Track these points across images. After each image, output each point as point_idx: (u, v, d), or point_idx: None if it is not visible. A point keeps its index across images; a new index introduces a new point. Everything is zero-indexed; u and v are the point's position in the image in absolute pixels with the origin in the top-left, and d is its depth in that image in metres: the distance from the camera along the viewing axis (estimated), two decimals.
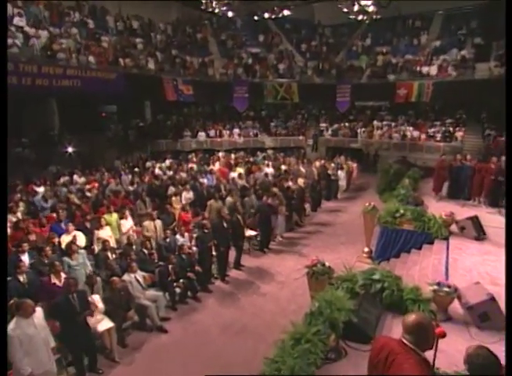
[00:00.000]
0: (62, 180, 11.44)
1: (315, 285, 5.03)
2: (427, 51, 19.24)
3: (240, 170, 13.03)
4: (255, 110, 23.17)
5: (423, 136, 18.07)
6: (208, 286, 7.19)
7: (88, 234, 7.29)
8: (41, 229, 7.27)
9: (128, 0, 18.36)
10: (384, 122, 20.14)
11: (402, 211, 7.47)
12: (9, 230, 6.55)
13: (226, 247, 7.65)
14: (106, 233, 7.35)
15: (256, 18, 20.46)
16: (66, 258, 5.93)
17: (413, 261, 6.70)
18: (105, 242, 6.69)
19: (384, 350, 2.33)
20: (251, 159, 15.98)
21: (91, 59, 14.51)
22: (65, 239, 6.73)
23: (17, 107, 13.03)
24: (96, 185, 10.81)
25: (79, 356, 4.74)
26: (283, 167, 14.07)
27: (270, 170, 13.25)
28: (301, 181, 11.62)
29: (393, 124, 19.82)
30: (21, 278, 5.19)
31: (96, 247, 7.08)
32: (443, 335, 2.42)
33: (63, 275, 5.40)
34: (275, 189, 10.00)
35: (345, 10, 17.80)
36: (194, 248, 7.42)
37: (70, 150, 14.66)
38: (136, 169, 13.06)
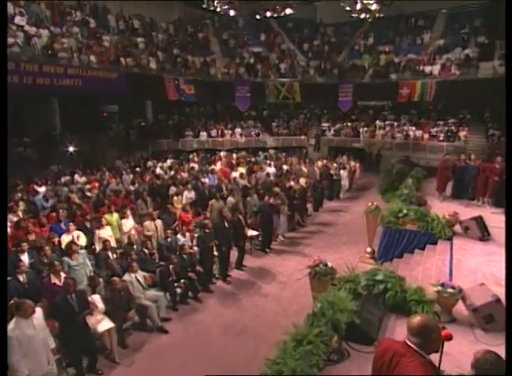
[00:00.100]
0: (63, 180, 11.42)
1: (318, 286, 4.98)
2: (430, 50, 19.13)
3: (242, 170, 12.99)
4: (257, 110, 23.12)
5: (426, 136, 17.97)
6: (209, 286, 7.15)
7: (89, 234, 7.26)
8: (41, 229, 7.23)
9: None
10: (387, 122, 20.06)
11: (405, 211, 7.40)
12: (9, 230, 6.53)
13: (228, 247, 7.60)
14: (106, 232, 7.32)
15: (258, 17, 20.40)
16: (66, 258, 5.89)
17: (417, 261, 6.64)
18: (105, 242, 6.66)
19: (388, 352, 2.29)
20: (253, 159, 15.95)
21: (92, 58, 14.49)
22: (65, 239, 6.70)
23: (18, 107, 13.04)
24: (97, 184, 10.78)
25: (78, 356, 4.70)
26: (285, 167, 14.04)
27: (272, 170, 13.22)
28: (302, 181, 11.58)
29: (396, 123, 19.73)
30: (21, 278, 5.16)
31: (97, 247, 7.05)
32: (449, 338, 2.37)
33: (62, 275, 5.36)
34: (276, 189, 9.95)
35: (348, 8, 17.74)
36: (195, 248, 7.38)
37: (71, 149, 14.63)
38: (137, 169, 13.03)
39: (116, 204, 8.90)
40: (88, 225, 7.59)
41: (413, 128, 18.68)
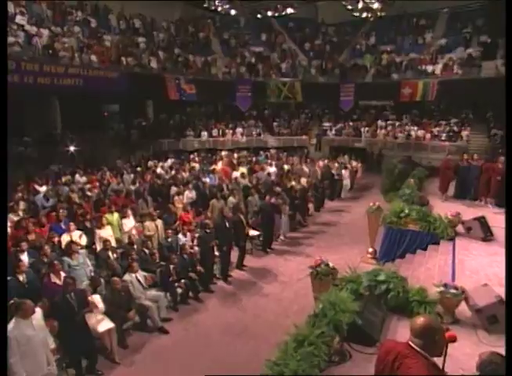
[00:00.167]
0: (63, 179, 11.40)
1: (319, 286, 4.94)
2: (432, 49, 19.07)
3: (243, 169, 12.95)
4: (258, 110, 23.06)
5: (428, 136, 17.90)
6: (210, 286, 7.13)
7: (89, 234, 7.23)
8: (41, 228, 7.21)
9: None
10: (389, 121, 20.02)
11: (407, 211, 7.34)
12: (9, 229, 6.51)
13: (228, 247, 7.57)
14: (107, 232, 7.29)
15: (259, 16, 20.39)
16: (66, 258, 5.86)
17: (419, 262, 6.59)
18: (106, 241, 6.63)
19: (391, 354, 2.26)
20: (254, 158, 15.90)
21: (93, 58, 14.49)
22: (66, 238, 6.67)
23: (19, 106, 13.00)
24: (98, 184, 10.76)
25: (77, 356, 4.67)
26: (286, 166, 14.00)
27: (273, 169, 13.18)
28: (304, 180, 11.54)
29: (397, 123, 19.68)
30: (21, 278, 5.14)
31: (98, 247, 7.03)
32: (454, 340, 2.33)
33: (62, 274, 5.33)
34: (278, 189, 9.92)
35: (349, 7, 17.71)
36: (196, 248, 7.34)
37: (72, 149, 14.60)
38: (138, 168, 13.01)
39: (116, 203, 8.86)
40: (88, 224, 7.57)
41: (415, 128, 18.61)
